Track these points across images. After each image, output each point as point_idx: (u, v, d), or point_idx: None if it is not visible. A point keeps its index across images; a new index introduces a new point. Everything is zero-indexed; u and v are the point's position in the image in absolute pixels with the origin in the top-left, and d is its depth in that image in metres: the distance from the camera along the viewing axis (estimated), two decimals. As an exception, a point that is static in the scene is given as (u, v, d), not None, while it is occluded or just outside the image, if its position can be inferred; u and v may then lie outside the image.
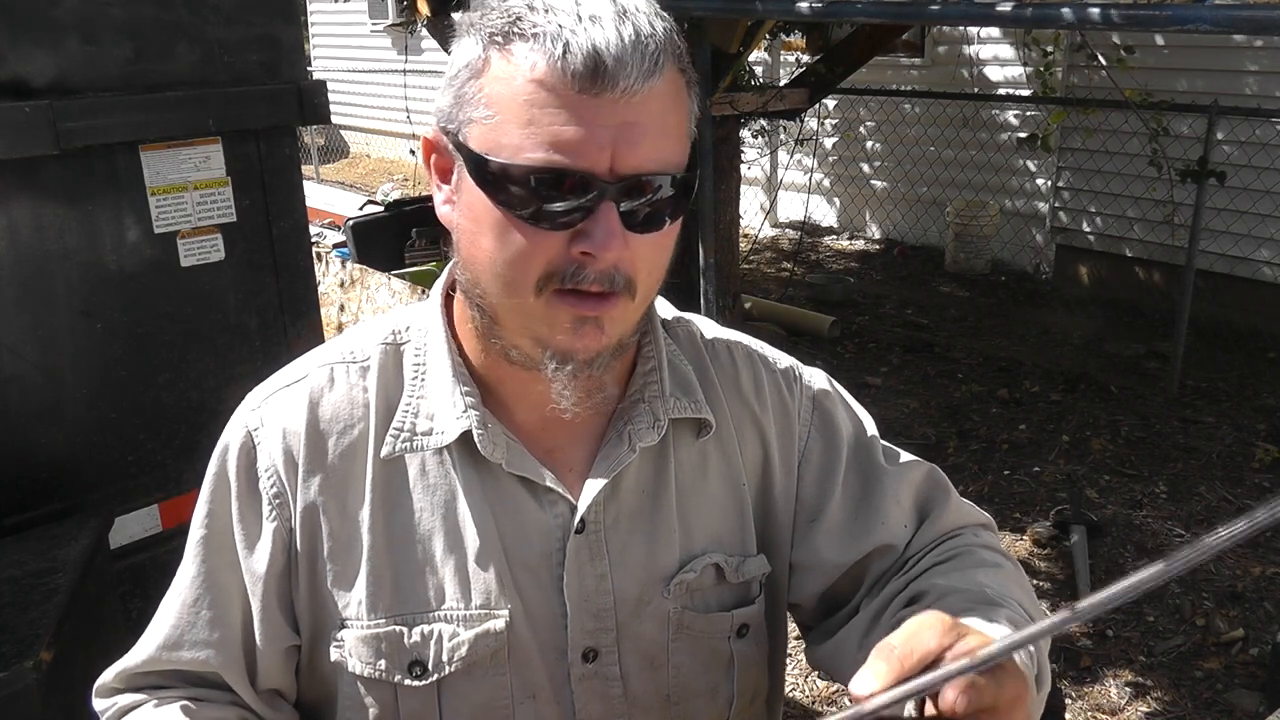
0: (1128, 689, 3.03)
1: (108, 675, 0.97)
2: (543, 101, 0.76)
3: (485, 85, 0.79)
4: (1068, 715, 2.92)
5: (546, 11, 0.77)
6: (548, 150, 0.76)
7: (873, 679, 0.66)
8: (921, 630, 0.70)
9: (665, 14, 0.81)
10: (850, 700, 0.67)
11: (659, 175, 0.79)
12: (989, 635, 0.72)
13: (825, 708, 2.97)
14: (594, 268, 0.79)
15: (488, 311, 0.86)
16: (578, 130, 0.75)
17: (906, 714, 0.72)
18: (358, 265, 4.63)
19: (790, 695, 2.98)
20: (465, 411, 0.89)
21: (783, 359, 1.06)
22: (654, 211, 0.80)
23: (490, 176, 0.79)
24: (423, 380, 0.93)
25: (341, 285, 4.53)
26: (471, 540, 0.90)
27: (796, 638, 1.11)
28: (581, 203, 0.77)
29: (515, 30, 0.77)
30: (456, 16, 0.83)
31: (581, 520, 0.91)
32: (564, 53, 0.75)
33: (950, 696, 0.66)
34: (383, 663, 0.90)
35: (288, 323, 2.17)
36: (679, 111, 0.81)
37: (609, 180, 0.77)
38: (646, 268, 0.83)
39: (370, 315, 4.29)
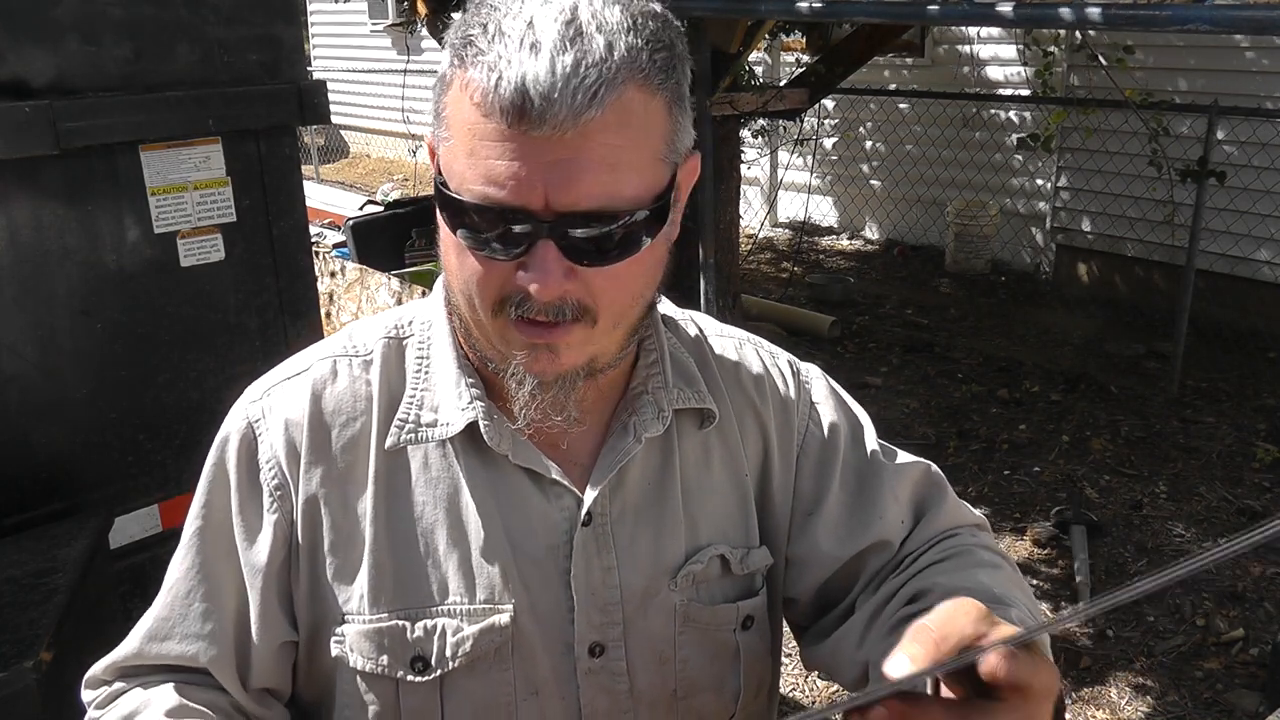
0: (1128, 689, 3.03)
1: (97, 668, 0.96)
2: (482, 133, 0.74)
3: (448, 104, 0.78)
4: (1068, 715, 2.92)
5: (493, 38, 0.73)
6: (484, 184, 0.75)
7: (908, 662, 0.64)
8: (958, 614, 0.68)
9: (652, 21, 0.76)
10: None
11: (603, 211, 0.75)
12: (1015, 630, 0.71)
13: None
14: (538, 300, 0.78)
15: (464, 321, 0.88)
16: (509, 165, 0.73)
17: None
18: (358, 265, 4.63)
19: (790, 695, 2.97)
20: (471, 403, 0.89)
21: (781, 354, 1.07)
22: (606, 244, 0.77)
23: (444, 200, 0.79)
24: (426, 373, 0.93)
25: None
26: (475, 534, 0.90)
27: (796, 637, 1.10)
28: (519, 238, 0.76)
29: (466, 53, 0.75)
30: (451, 20, 0.82)
31: (588, 513, 0.90)
32: (495, 86, 0.72)
33: (994, 660, 0.63)
34: (385, 658, 0.89)
35: (288, 323, 2.17)
36: (639, 136, 0.76)
37: (544, 218, 0.75)
38: (608, 297, 0.80)
39: (370, 315, 4.29)
